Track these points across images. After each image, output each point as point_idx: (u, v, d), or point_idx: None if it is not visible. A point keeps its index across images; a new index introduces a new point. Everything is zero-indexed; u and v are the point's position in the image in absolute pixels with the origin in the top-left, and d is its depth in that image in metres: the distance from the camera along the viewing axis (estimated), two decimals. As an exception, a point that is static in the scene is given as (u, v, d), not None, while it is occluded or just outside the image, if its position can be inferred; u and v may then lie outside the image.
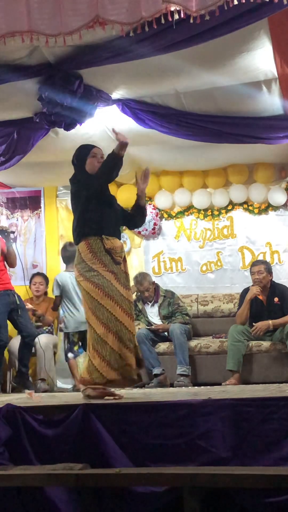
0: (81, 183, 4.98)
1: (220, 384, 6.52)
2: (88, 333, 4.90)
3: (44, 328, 7.71)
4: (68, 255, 7.22)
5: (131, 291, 5.04)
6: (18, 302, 6.65)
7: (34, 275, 8.08)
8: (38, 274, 8.12)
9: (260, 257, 8.19)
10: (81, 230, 4.95)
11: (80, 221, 4.97)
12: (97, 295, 4.80)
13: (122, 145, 4.79)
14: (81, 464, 3.67)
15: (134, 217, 5.30)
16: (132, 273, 7.90)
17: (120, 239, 5.09)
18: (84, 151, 5.08)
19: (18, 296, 6.81)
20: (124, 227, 8.49)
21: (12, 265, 6.98)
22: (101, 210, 4.95)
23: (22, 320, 6.75)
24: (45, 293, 8.06)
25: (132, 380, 4.74)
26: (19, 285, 7.56)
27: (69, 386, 7.63)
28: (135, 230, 8.53)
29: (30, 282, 7.97)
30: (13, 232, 7.39)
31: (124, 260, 5.04)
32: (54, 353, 7.71)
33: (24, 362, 6.85)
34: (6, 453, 3.96)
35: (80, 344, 7.13)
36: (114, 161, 4.87)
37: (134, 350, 4.82)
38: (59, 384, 7.84)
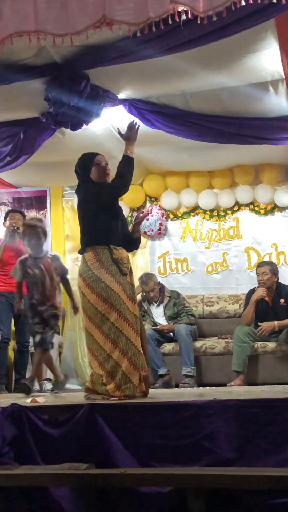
0: (89, 193, 4.94)
1: (225, 385, 6.52)
2: (91, 345, 4.85)
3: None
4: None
5: (136, 304, 5.00)
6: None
7: None
8: None
9: (266, 258, 8.17)
10: (89, 239, 4.92)
11: (88, 230, 4.94)
12: (103, 309, 4.75)
13: (129, 140, 4.82)
14: (86, 464, 3.68)
15: (129, 242, 5.18)
16: (138, 273, 7.91)
17: (126, 249, 5.07)
18: (87, 160, 5.04)
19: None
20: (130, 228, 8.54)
21: None
22: (109, 221, 4.92)
23: (21, 327, 6.77)
24: None
25: (133, 397, 4.67)
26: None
27: (75, 386, 7.62)
28: (141, 230, 8.52)
29: None
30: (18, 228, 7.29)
31: (130, 271, 5.00)
32: (60, 353, 7.71)
33: (18, 369, 6.86)
34: (11, 453, 3.96)
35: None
36: (130, 164, 4.88)
37: (139, 367, 4.76)
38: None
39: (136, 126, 4.95)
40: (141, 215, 5.35)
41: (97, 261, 4.83)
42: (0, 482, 3.67)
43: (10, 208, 8.31)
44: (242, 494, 3.53)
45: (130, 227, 5.20)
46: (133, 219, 5.24)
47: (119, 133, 5.01)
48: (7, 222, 7.26)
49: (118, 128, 5.05)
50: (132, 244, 5.21)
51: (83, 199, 4.99)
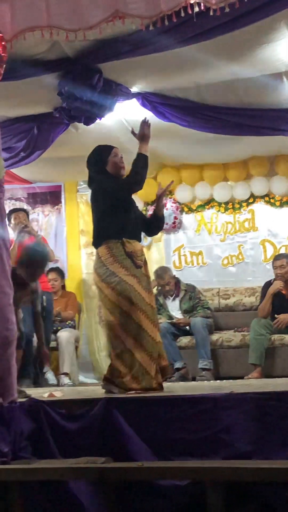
0: (103, 186, 4.94)
1: (242, 378, 6.51)
2: (108, 338, 4.88)
3: (68, 322, 7.73)
4: None
5: (153, 295, 4.99)
6: (44, 305, 6.59)
7: (48, 271, 8.04)
8: (52, 269, 8.00)
9: (282, 250, 8.15)
10: (102, 233, 4.91)
11: (100, 224, 4.94)
12: (123, 305, 4.74)
13: (143, 139, 4.82)
14: (103, 458, 3.68)
15: (151, 225, 5.26)
16: (153, 267, 7.91)
17: (140, 241, 5.06)
18: (105, 152, 5.03)
19: (48, 300, 6.82)
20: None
21: None
22: (122, 213, 4.91)
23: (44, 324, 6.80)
24: (63, 287, 8.06)
25: (150, 390, 4.66)
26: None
27: (92, 380, 7.65)
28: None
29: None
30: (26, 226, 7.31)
31: (145, 263, 4.99)
32: (76, 348, 7.73)
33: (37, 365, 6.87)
34: (29, 447, 3.98)
35: None
36: (144, 162, 4.88)
37: (156, 359, 4.75)
38: (81, 378, 7.87)
39: (148, 124, 4.94)
40: (161, 190, 5.27)
41: (111, 256, 4.83)
42: (18, 476, 3.69)
43: (14, 207, 8.26)
44: (260, 486, 3.53)
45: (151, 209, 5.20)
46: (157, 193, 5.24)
47: (133, 132, 5.01)
48: (12, 222, 7.27)
49: (132, 128, 5.04)
50: (156, 225, 5.25)
51: (96, 192, 4.99)
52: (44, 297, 6.66)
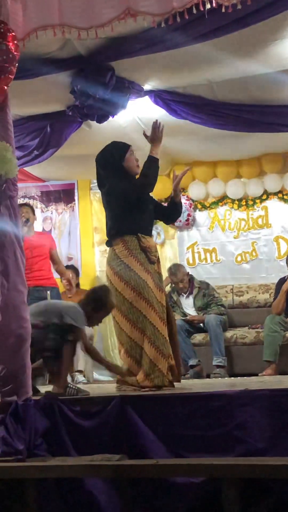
0: (116, 187, 4.94)
1: (256, 375, 6.50)
2: (119, 335, 4.87)
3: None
4: None
5: (164, 293, 5.00)
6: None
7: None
8: (67, 267, 7.99)
9: (296, 247, 8.14)
10: (118, 229, 4.92)
11: (116, 220, 4.94)
12: (131, 297, 4.75)
13: (154, 141, 4.83)
14: (118, 455, 3.69)
15: (169, 212, 5.31)
16: (167, 264, 7.92)
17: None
18: (123, 148, 5.05)
19: (56, 293, 6.85)
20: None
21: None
22: (137, 210, 4.93)
23: None
24: (77, 285, 8.08)
25: (162, 387, 4.66)
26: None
27: (107, 378, 7.65)
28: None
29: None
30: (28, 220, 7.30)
31: (158, 260, 5.01)
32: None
33: None
34: (44, 445, 4.00)
35: None
36: (154, 165, 4.91)
37: (167, 355, 4.76)
38: (96, 375, 7.88)
39: (160, 127, 4.95)
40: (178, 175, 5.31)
41: (126, 249, 4.85)
42: (34, 474, 3.71)
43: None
44: (275, 483, 3.52)
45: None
46: (173, 179, 5.26)
47: (144, 134, 5.03)
48: None
49: (144, 130, 5.06)
50: (175, 211, 5.30)
51: (109, 193, 4.98)
52: (48, 292, 6.69)
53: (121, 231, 4.90)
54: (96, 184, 5.32)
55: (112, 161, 5.03)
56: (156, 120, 5.01)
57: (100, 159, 5.09)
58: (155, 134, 4.95)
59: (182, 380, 5.14)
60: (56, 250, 7.41)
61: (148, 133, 4.99)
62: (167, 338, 4.80)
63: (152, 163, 4.91)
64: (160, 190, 8.35)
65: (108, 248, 5.07)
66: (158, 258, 5.04)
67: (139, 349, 4.73)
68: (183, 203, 8.35)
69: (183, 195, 8.47)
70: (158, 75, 5.81)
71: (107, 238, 5.06)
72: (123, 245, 4.86)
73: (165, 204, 5.52)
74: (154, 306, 4.75)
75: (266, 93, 6.11)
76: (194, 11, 4.25)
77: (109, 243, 5.00)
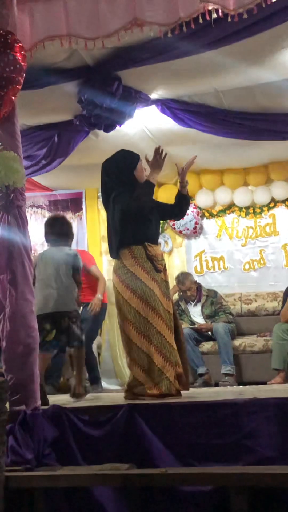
0: (127, 190, 4.94)
1: (265, 383, 6.48)
2: (126, 343, 4.87)
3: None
4: (57, 231, 5.65)
5: (171, 301, 5.01)
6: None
7: None
8: None
9: (304, 255, 8.12)
10: (123, 239, 4.93)
11: (122, 230, 4.94)
12: (137, 306, 4.76)
13: (154, 167, 4.88)
14: (127, 465, 3.69)
15: (177, 207, 5.30)
16: (174, 272, 7.92)
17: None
18: (135, 157, 5.07)
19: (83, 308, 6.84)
20: (165, 227, 8.55)
21: None
22: (143, 220, 4.94)
23: None
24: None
25: (169, 395, 4.65)
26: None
27: (115, 387, 7.65)
28: (177, 229, 8.56)
29: None
30: None
31: (165, 268, 5.01)
32: (98, 354, 7.74)
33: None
34: (53, 454, 4.00)
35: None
36: (149, 190, 4.93)
37: (174, 363, 4.75)
38: (104, 384, 7.86)
39: (163, 154, 4.95)
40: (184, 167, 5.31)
41: (132, 258, 4.85)
42: (42, 483, 3.71)
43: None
44: (284, 492, 3.51)
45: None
46: (179, 171, 5.27)
47: (146, 159, 5.03)
48: None
49: (146, 154, 5.05)
50: (184, 203, 5.31)
51: (119, 199, 4.97)
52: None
53: (128, 241, 4.90)
54: (101, 191, 5.31)
55: (124, 169, 5.04)
56: (159, 146, 5.02)
57: (111, 166, 5.10)
58: (156, 160, 4.96)
59: (190, 389, 5.13)
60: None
61: (150, 158, 5.01)
62: (175, 346, 4.80)
63: (147, 188, 4.92)
64: (167, 199, 8.38)
65: (115, 257, 5.08)
66: (165, 266, 5.04)
67: (146, 358, 4.73)
68: (190, 211, 8.47)
69: (190, 203, 8.48)
70: (165, 84, 5.83)
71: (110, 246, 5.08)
72: (130, 254, 4.87)
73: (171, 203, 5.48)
74: (161, 314, 4.75)
75: (273, 101, 6.12)
76: (201, 20, 4.27)
77: (115, 254, 5.00)
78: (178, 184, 5.33)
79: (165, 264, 5.05)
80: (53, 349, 5.41)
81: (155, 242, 5.05)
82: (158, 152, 4.97)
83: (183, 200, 5.30)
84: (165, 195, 7.85)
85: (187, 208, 5.44)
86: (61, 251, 5.46)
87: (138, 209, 4.89)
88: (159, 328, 4.72)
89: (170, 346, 4.75)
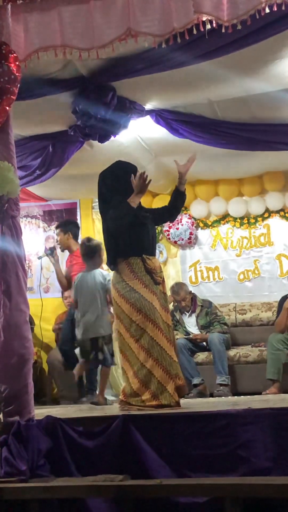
0: (124, 200, 4.94)
1: (260, 393, 6.47)
2: (125, 354, 4.87)
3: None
4: (88, 252, 6.13)
5: (169, 313, 5.00)
6: None
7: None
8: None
9: (298, 265, 8.12)
10: (120, 251, 4.93)
11: (119, 241, 4.94)
12: (137, 319, 4.76)
13: (137, 191, 4.90)
14: (121, 476, 3.68)
15: (173, 204, 5.30)
16: (169, 283, 7.91)
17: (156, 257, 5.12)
18: (133, 168, 5.10)
19: None
20: (160, 237, 8.55)
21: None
22: (138, 231, 4.94)
23: None
24: None
25: (168, 407, 4.64)
26: (56, 297, 7.61)
27: (109, 397, 7.61)
28: (171, 240, 8.57)
29: (62, 295, 7.96)
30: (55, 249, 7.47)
31: (163, 280, 5.02)
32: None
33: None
34: (47, 465, 3.98)
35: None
36: (127, 212, 4.91)
37: (174, 376, 4.75)
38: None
39: (147, 180, 4.94)
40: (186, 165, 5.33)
41: (131, 272, 4.85)
42: (36, 494, 3.69)
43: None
44: (279, 503, 3.50)
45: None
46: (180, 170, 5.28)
47: (132, 180, 5.01)
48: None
49: (132, 176, 5.03)
50: (180, 200, 5.30)
51: (116, 209, 4.98)
52: None
53: (125, 253, 4.90)
54: (98, 201, 5.31)
55: (121, 179, 5.05)
56: (144, 172, 5.01)
57: (108, 177, 5.11)
58: (139, 184, 4.95)
59: (185, 399, 5.12)
60: None
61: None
62: (175, 358, 4.80)
63: (125, 209, 4.91)
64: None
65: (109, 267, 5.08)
66: (163, 278, 5.04)
67: (146, 370, 4.72)
68: (185, 222, 8.48)
69: (184, 214, 8.50)
70: (159, 94, 5.85)
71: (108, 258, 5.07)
72: (128, 267, 4.87)
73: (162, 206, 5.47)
74: (160, 327, 4.75)
75: (267, 112, 6.14)
76: (195, 31, 4.28)
77: (113, 266, 5.00)
78: (177, 180, 5.31)
79: (163, 276, 5.06)
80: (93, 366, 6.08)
81: (153, 253, 5.04)
82: (142, 177, 4.95)
83: (179, 198, 5.28)
84: (160, 205, 7.82)
85: (181, 206, 5.45)
86: (95, 276, 5.90)
87: (112, 228, 4.95)
88: (159, 340, 4.73)
89: (170, 358, 4.75)
